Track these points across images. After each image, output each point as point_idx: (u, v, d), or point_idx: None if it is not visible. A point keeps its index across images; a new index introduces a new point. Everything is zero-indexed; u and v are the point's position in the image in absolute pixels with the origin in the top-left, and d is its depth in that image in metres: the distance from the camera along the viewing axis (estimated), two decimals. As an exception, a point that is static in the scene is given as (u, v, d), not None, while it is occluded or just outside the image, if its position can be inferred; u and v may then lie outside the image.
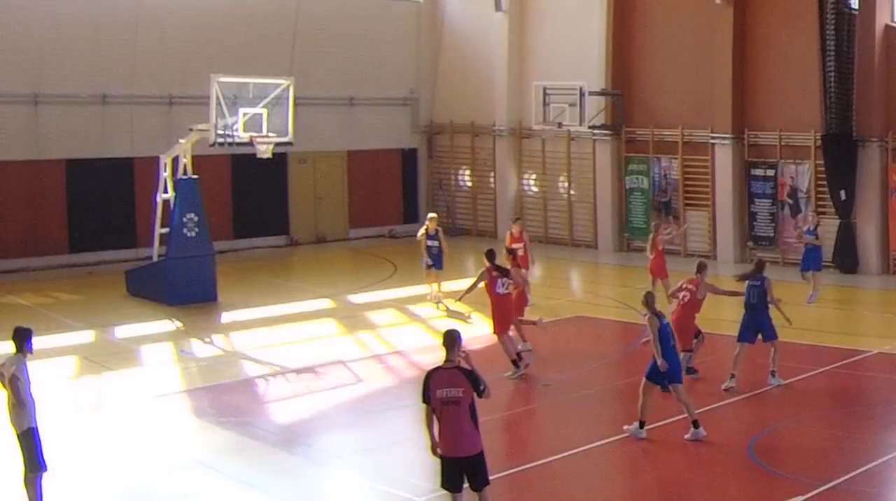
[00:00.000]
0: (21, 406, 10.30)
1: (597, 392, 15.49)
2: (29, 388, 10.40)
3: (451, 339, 9.68)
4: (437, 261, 20.93)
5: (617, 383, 16.13)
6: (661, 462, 12.38)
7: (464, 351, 9.66)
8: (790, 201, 25.31)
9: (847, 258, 24.25)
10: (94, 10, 25.91)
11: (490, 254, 16.34)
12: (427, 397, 9.53)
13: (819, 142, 24.44)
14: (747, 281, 15.26)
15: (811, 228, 21.58)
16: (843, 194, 24.01)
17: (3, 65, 24.79)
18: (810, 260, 21.40)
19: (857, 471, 11.40)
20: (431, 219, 21.55)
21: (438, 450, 9.60)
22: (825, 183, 24.52)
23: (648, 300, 13.23)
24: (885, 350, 17.05)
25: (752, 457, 12.06)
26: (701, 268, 15.28)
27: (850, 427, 13.27)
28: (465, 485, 9.93)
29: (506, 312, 16.05)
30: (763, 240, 25.85)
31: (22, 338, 10.54)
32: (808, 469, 11.64)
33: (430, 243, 20.96)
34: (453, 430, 9.45)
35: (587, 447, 12.73)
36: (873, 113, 23.77)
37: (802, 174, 25.10)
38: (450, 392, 9.42)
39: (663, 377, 12.81)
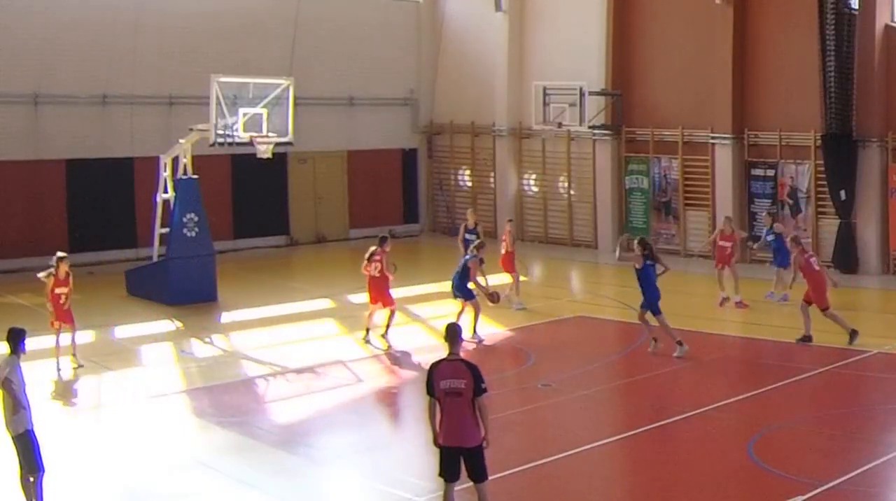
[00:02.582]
0: (16, 409, 10.26)
1: (597, 392, 15.49)
2: (24, 390, 10.35)
3: (453, 333, 9.85)
4: None
5: (617, 383, 16.14)
6: (661, 461, 12.38)
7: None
8: (790, 201, 25.32)
9: (847, 258, 24.23)
10: (95, 10, 25.91)
11: (381, 240, 18.42)
12: (431, 389, 9.67)
13: (819, 142, 24.44)
14: None
15: (769, 229, 21.72)
16: (843, 194, 24.00)
17: (3, 65, 24.79)
18: (782, 257, 21.29)
19: (857, 471, 11.39)
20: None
21: (439, 441, 9.68)
22: (825, 183, 24.51)
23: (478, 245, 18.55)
24: (885, 350, 17.05)
25: (752, 457, 12.06)
26: None
27: (850, 428, 13.26)
28: (465, 485, 9.96)
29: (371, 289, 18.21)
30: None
31: (15, 339, 10.49)
32: (808, 469, 11.63)
33: None
34: (456, 421, 9.59)
35: (587, 447, 12.74)
36: (873, 113, 23.76)
37: (802, 174, 25.10)
38: (453, 383, 9.56)
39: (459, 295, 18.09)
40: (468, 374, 9.59)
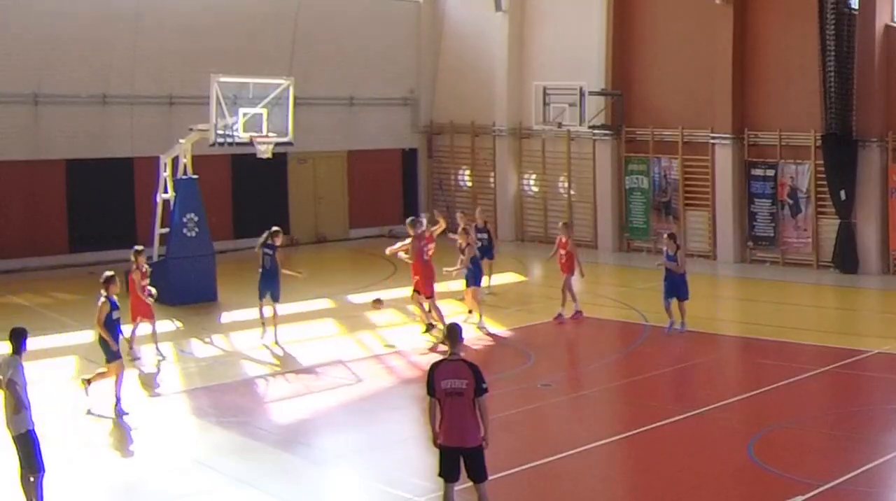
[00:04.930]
0: (18, 408, 10.26)
1: (597, 392, 15.50)
2: (26, 390, 10.36)
3: (454, 332, 9.86)
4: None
5: (617, 383, 16.14)
6: (661, 462, 12.38)
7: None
8: (790, 201, 25.32)
9: (847, 258, 24.24)
10: (95, 9, 25.91)
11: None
12: (431, 389, 9.67)
13: (819, 142, 24.44)
14: None
15: (671, 254, 18.53)
16: (843, 194, 24.00)
17: (3, 65, 24.79)
18: (672, 288, 18.53)
19: (857, 471, 11.40)
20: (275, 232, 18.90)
21: (439, 441, 9.69)
22: (825, 183, 24.50)
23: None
24: (885, 350, 17.04)
25: (752, 457, 12.06)
26: None
27: (850, 428, 13.27)
28: (465, 485, 9.97)
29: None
30: (763, 240, 25.85)
31: (17, 339, 10.51)
32: (808, 469, 11.63)
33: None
34: (456, 421, 9.60)
35: (587, 447, 12.74)
36: (873, 113, 23.76)
37: (802, 174, 25.10)
38: (454, 383, 9.57)
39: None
40: (470, 374, 9.61)
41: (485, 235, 22.52)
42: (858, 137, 23.84)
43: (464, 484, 9.95)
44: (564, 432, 13.75)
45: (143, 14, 26.62)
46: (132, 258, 17.25)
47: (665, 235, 19.28)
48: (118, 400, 14.11)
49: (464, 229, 20.02)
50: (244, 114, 21.63)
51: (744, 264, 25.90)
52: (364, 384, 16.08)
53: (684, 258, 18.86)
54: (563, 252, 19.92)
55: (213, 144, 21.83)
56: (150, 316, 17.42)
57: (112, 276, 14.35)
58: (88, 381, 14.55)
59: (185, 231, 21.83)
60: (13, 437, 10.38)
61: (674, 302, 18.59)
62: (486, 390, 9.64)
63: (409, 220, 19.38)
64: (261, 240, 18.81)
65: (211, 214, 22.99)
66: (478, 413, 9.63)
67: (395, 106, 32.48)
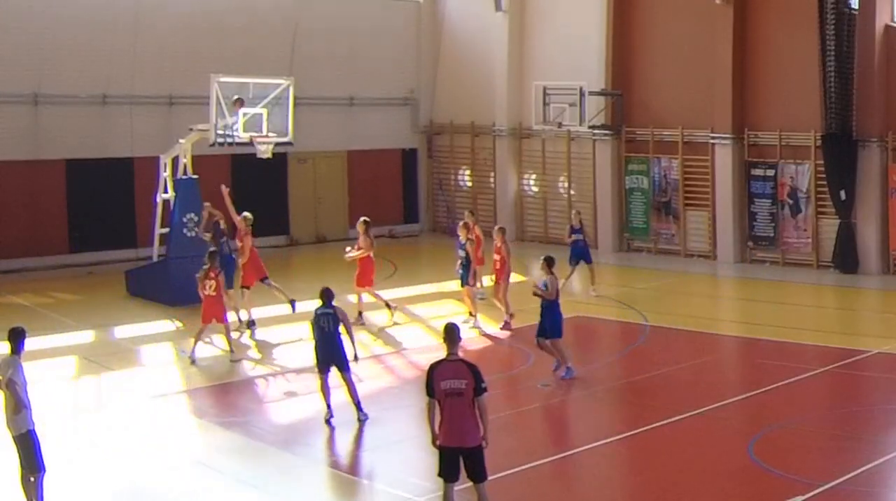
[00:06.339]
0: (18, 408, 10.26)
1: (597, 392, 15.49)
2: (26, 390, 10.37)
3: (451, 333, 9.84)
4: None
5: (617, 383, 16.13)
6: (661, 462, 12.38)
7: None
8: (790, 201, 25.31)
9: (847, 258, 24.23)
10: (95, 10, 25.92)
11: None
12: (431, 389, 9.66)
13: (819, 142, 24.44)
14: None
15: (544, 280, 15.91)
16: (843, 194, 23.99)
17: (3, 65, 24.79)
18: (542, 322, 15.89)
19: (857, 471, 11.40)
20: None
21: (438, 441, 9.69)
22: (825, 183, 24.50)
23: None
24: (885, 350, 17.04)
25: (752, 457, 12.07)
26: None
27: (850, 427, 13.27)
28: (465, 485, 9.97)
29: None
30: (763, 240, 25.84)
31: (16, 339, 10.52)
32: (808, 469, 11.63)
33: None
34: (456, 421, 9.62)
35: (587, 447, 12.75)
36: (873, 113, 23.75)
37: (802, 174, 25.09)
38: (453, 383, 9.57)
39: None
40: (469, 374, 9.62)
41: (580, 236, 22.46)
42: (858, 137, 23.83)
43: (464, 484, 9.96)
44: (564, 432, 13.76)
45: (143, 14, 26.62)
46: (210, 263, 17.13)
47: (542, 259, 16.13)
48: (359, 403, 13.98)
49: (465, 224, 19.94)
50: (244, 114, 21.64)
51: (744, 264, 25.90)
52: (364, 384, 16.06)
53: (556, 285, 15.94)
54: (497, 257, 19.52)
55: (213, 144, 21.84)
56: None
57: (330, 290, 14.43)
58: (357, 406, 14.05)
59: (185, 231, 21.82)
60: (13, 437, 10.38)
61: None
62: (485, 390, 9.65)
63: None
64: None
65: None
66: (477, 413, 9.64)
67: (395, 106, 32.48)
